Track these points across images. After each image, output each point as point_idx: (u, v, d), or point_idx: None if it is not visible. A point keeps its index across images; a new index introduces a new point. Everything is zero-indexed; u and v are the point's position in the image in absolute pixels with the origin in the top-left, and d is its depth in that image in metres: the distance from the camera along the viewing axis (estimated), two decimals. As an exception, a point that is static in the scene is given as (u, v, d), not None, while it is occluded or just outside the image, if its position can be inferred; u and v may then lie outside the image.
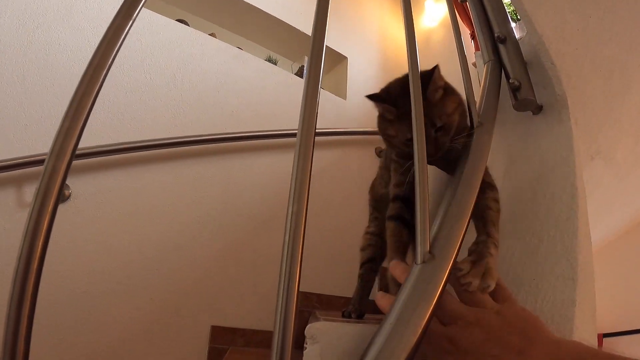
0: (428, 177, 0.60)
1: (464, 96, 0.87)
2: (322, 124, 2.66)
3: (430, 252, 0.53)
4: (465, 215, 0.57)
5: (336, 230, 2.48)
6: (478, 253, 0.62)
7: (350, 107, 2.92)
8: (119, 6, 0.57)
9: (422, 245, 0.53)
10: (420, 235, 0.54)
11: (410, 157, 0.69)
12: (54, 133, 0.50)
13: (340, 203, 2.57)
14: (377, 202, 1.20)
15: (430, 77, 0.81)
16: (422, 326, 0.47)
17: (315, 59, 0.58)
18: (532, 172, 0.91)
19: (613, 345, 3.12)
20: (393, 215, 0.87)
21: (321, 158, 2.61)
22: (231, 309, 2.09)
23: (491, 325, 0.51)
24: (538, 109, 0.99)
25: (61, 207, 1.84)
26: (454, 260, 0.53)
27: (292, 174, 0.50)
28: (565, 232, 0.73)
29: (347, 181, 2.66)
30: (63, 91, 1.94)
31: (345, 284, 2.26)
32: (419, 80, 0.72)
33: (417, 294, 0.50)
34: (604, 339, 3.17)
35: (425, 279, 0.51)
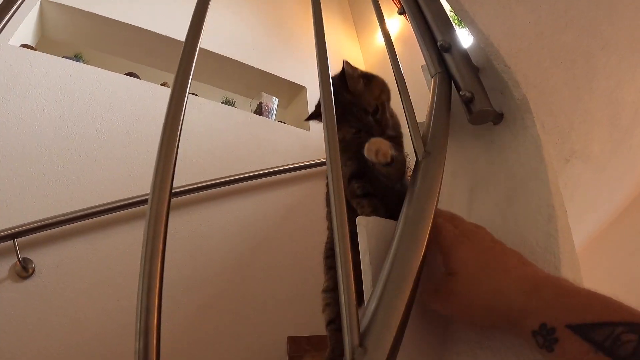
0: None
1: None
2: (287, 159, 2.63)
3: (361, 344, 0.41)
4: (407, 284, 0.45)
5: (316, 267, 2.37)
6: None
7: (314, 137, 2.86)
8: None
9: (349, 336, 0.42)
10: (347, 323, 0.42)
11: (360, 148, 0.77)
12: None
13: (318, 240, 2.45)
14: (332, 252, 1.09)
15: (344, 73, 0.89)
16: None
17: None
18: (499, 192, 0.80)
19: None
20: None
21: (290, 194, 2.54)
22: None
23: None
24: (498, 118, 0.88)
25: (27, 283, 1.79)
26: (393, 350, 0.41)
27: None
28: (544, 264, 0.62)
29: (322, 215, 2.51)
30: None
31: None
32: (331, 92, 0.71)
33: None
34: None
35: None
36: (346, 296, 0.44)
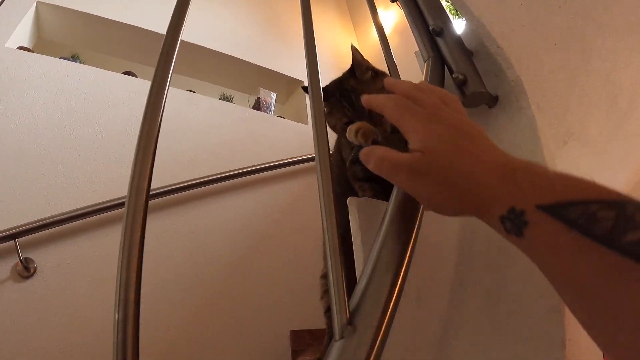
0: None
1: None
2: (286, 154, 2.63)
3: (350, 322, 0.41)
4: (399, 262, 0.45)
5: (317, 261, 2.37)
6: None
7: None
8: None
9: (338, 315, 0.41)
10: (336, 301, 0.42)
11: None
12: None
13: (318, 233, 2.45)
14: None
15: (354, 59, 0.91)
16: None
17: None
18: (496, 175, 0.80)
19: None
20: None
21: (290, 189, 2.54)
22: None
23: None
24: (494, 101, 0.88)
25: (29, 282, 1.80)
26: (384, 329, 0.40)
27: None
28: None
29: None
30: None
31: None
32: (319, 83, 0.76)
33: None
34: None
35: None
36: (334, 274, 0.43)
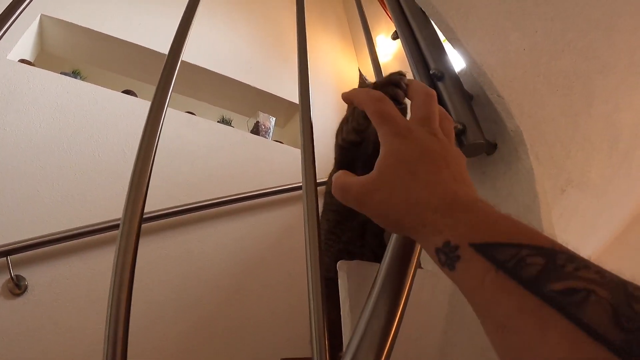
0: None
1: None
2: (284, 180, 2.61)
3: None
4: (383, 343, 0.43)
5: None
6: None
7: None
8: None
9: None
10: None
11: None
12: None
13: None
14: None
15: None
16: None
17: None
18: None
19: None
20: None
21: (286, 215, 2.53)
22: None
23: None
24: (492, 148, 0.86)
25: (20, 300, 1.78)
26: None
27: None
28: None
29: None
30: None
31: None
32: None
33: None
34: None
35: None
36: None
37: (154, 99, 0.68)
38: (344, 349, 0.51)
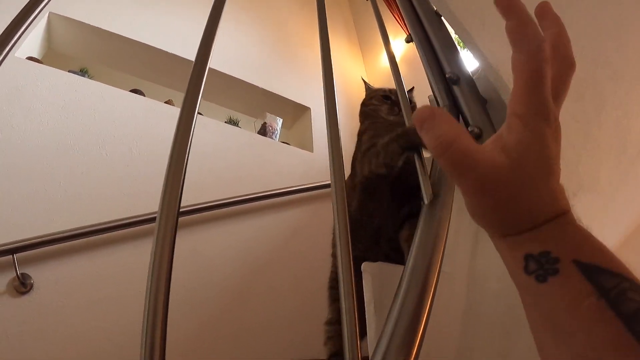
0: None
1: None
2: (290, 182, 2.61)
3: None
4: (413, 343, 0.43)
5: (319, 291, 2.36)
6: None
7: (318, 158, 2.84)
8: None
9: None
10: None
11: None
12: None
13: (320, 263, 2.44)
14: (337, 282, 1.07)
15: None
16: None
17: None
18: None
19: None
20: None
21: (293, 216, 2.52)
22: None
23: None
24: (507, 153, 0.87)
25: (25, 298, 1.77)
26: None
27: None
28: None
29: (326, 237, 2.50)
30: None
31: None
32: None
33: None
34: None
35: None
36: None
37: (186, 96, 0.68)
38: (368, 349, 0.51)
